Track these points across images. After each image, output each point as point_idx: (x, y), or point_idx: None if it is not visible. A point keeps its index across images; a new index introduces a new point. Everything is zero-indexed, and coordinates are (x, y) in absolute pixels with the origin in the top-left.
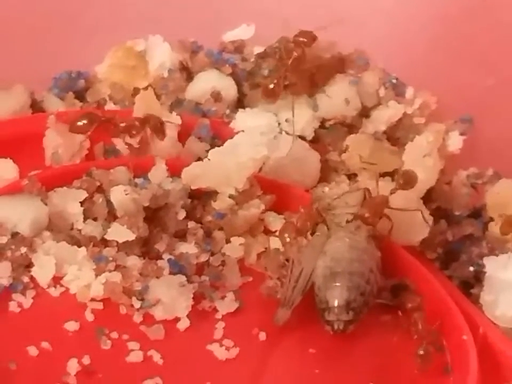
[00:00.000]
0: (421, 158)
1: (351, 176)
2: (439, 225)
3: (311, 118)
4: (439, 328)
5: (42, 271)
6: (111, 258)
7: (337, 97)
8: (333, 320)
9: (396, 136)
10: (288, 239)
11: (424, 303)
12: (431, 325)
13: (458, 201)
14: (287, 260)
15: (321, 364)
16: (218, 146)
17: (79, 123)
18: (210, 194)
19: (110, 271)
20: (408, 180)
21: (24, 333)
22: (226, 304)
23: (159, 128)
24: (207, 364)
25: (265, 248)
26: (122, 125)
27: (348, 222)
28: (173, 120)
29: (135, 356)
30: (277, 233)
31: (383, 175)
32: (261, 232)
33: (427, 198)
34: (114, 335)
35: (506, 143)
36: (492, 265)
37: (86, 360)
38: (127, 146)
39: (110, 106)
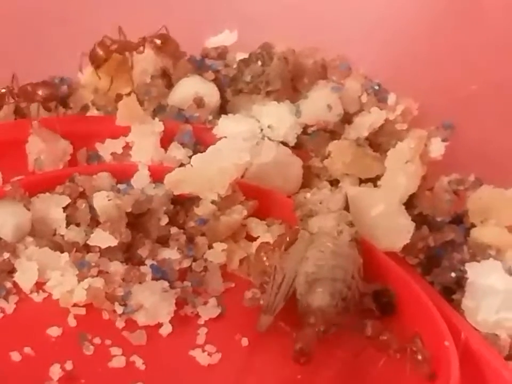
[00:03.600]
0: (403, 164)
1: (333, 182)
2: (421, 231)
3: (293, 124)
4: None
5: (25, 277)
6: (93, 264)
7: (320, 103)
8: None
9: (378, 142)
10: (264, 259)
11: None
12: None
13: (440, 207)
14: (269, 266)
15: (303, 369)
16: (201, 152)
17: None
18: (192, 200)
19: (93, 277)
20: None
21: (6, 338)
22: (209, 310)
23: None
24: (190, 370)
25: (248, 254)
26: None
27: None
28: (156, 126)
29: (118, 361)
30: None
31: (365, 181)
32: (243, 238)
33: (409, 204)
34: (97, 340)
35: (488, 149)
36: (473, 271)
37: (69, 365)
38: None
39: (93, 112)
